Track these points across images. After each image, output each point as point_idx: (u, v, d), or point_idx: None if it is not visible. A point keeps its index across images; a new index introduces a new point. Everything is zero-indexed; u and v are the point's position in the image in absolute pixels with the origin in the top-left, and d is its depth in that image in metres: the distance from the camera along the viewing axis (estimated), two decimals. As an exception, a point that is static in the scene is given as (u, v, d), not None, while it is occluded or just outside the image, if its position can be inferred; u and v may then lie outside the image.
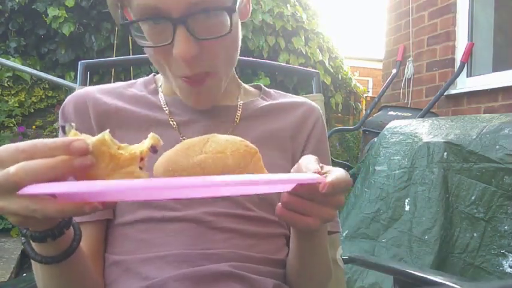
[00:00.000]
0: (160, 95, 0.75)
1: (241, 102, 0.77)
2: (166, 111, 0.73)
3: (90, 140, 0.42)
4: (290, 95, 0.85)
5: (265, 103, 0.79)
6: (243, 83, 0.82)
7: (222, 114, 0.74)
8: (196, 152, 0.47)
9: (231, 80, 0.77)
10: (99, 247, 0.68)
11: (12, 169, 0.39)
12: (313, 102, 0.84)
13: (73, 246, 0.54)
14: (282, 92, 0.85)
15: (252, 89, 0.84)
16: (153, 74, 0.81)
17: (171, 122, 0.71)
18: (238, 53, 0.70)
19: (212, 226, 0.65)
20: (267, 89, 0.84)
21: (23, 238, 0.52)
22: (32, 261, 0.56)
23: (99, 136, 0.43)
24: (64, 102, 0.73)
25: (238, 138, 0.49)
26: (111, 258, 0.67)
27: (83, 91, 0.73)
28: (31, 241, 0.50)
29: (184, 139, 0.69)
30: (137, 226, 0.65)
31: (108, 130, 0.44)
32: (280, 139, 0.76)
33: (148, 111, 0.72)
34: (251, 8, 0.75)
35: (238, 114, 0.75)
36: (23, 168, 0.39)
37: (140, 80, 0.80)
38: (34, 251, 0.52)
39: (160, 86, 0.78)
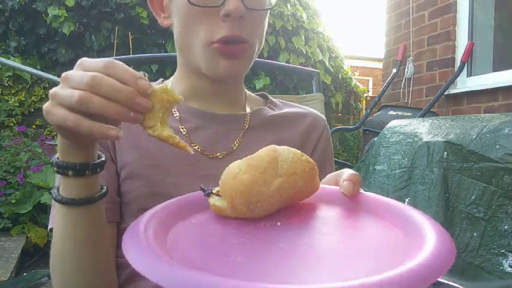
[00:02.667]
0: None
1: (249, 110, 0.78)
2: (177, 117, 0.73)
3: (154, 87, 0.48)
4: (294, 104, 0.87)
5: (272, 112, 0.80)
6: (247, 91, 0.83)
7: (231, 122, 0.75)
8: (272, 176, 0.47)
9: (239, 87, 0.79)
10: (112, 248, 0.68)
11: (87, 76, 0.44)
12: (318, 112, 0.86)
13: (95, 197, 0.56)
14: (286, 102, 0.86)
15: (256, 97, 0.85)
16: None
17: (181, 129, 0.72)
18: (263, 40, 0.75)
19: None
20: (273, 99, 0.85)
21: (56, 182, 0.56)
22: (57, 213, 0.57)
23: (162, 85, 0.49)
24: None
25: (298, 153, 0.50)
26: (119, 261, 0.67)
27: None
28: (68, 173, 0.53)
29: (194, 145, 0.70)
30: None
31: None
32: None
33: None
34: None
35: (247, 123, 0.75)
36: (95, 78, 0.44)
37: None
38: (59, 195, 0.55)
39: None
